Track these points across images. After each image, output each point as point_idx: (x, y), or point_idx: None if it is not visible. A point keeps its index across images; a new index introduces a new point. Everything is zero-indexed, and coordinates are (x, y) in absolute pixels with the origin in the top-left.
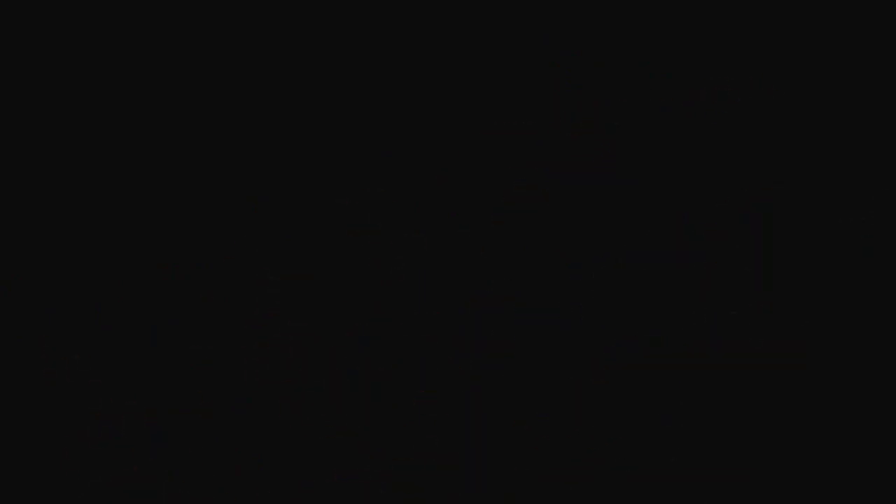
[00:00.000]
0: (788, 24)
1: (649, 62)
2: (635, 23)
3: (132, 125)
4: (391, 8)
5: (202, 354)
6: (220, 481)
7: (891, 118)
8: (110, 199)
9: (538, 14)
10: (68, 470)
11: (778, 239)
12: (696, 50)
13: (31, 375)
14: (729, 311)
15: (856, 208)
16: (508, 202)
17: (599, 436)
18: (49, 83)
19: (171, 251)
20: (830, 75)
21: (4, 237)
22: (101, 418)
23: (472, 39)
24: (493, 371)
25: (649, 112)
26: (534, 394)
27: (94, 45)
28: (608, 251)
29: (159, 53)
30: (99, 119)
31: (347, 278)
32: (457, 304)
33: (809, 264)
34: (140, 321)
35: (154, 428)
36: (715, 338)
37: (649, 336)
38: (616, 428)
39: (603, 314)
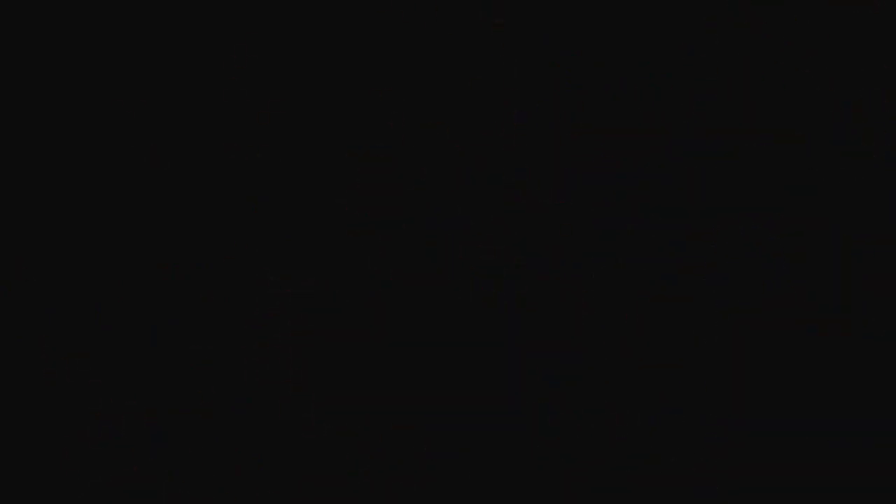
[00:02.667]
0: (789, 24)
1: (649, 62)
2: (635, 23)
3: (132, 125)
4: (391, 7)
5: (202, 354)
6: (220, 481)
7: (891, 118)
8: (110, 199)
9: (538, 14)
10: (68, 470)
11: (778, 239)
12: (696, 50)
13: (31, 375)
14: (729, 311)
15: (857, 208)
16: (508, 202)
17: (599, 436)
18: (49, 83)
19: (171, 251)
20: (832, 75)
21: (4, 237)
22: (101, 418)
23: (472, 39)
24: (493, 371)
25: (649, 112)
26: (534, 394)
27: (94, 44)
28: (608, 251)
29: (158, 53)
30: (99, 119)
31: (347, 278)
32: (457, 304)
33: (809, 264)
34: (140, 321)
35: (154, 428)
36: (715, 338)
37: (649, 336)
38: (616, 428)
39: (602, 314)
